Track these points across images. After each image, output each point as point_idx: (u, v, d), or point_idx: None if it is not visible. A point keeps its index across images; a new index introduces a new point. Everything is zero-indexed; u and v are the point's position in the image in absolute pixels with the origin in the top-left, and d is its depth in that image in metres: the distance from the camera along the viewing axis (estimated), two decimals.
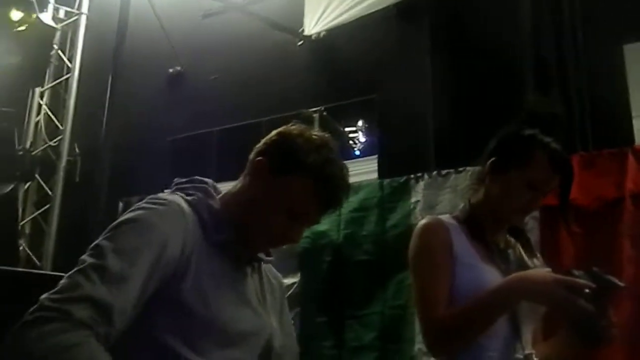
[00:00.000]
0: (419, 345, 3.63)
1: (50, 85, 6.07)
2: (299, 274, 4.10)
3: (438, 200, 3.87)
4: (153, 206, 1.39)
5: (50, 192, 5.72)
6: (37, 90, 5.98)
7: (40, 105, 6.00)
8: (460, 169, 3.87)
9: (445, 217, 1.91)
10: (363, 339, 3.82)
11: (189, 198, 1.48)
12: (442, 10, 4.52)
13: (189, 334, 1.34)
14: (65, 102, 5.95)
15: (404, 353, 3.69)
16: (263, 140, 1.55)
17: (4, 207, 4.89)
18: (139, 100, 5.47)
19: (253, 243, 1.52)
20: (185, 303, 1.35)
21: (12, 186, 4.96)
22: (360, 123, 5.65)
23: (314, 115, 4.61)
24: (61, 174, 5.73)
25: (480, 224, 1.87)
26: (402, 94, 4.50)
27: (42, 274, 4.91)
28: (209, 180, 1.58)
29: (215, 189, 1.57)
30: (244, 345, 1.44)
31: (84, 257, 1.29)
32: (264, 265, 1.64)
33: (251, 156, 1.53)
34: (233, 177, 1.59)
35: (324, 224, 4.10)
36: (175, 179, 1.57)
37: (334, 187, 1.48)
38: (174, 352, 1.32)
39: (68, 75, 6.05)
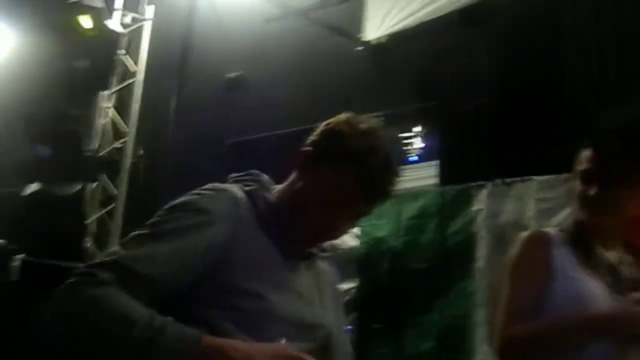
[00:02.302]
0: (480, 355, 3.59)
1: (116, 89, 6.23)
2: (356, 279, 4.10)
3: (501, 210, 3.80)
4: (206, 192, 1.41)
5: (115, 192, 5.88)
6: (104, 93, 6.14)
7: (107, 108, 6.17)
8: (526, 177, 3.79)
9: (552, 230, 1.88)
10: (420, 347, 3.78)
11: (246, 188, 1.49)
12: (505, 17, 4.44)
13: (244, 322, 1.34)
14: (130, 106, 6.10)
15: None
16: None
17: (72, 206, 5.05)
18: (201, 104, 5.56)
19: (303, 235, 1.50)
20: (238, 291, 1.35)
21: (79, 186, 5.12)
22: (418, 129, 5.60)
23: None
24: (126, 174, 5.87)
25: (585, 237, 1.82)
26: (465, 100, 4.44)
27: None
28: (265, 176, 1.58)
29: (271, 183, 1.57)
30: (300, 337, 1.41)
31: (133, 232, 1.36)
32: (319, 262, 1.62)
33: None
34: None
35: (383, 230, 4.09)
36: (232, 174, 1.58)
37: (377, 175, 1.44)
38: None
39: (133, 79, 6.20)
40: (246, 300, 1.35)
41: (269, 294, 1.38)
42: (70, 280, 1.24)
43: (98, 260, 1.28)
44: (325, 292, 1.59)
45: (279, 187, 1.57)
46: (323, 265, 1.66)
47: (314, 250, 1.60)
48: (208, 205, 1.38)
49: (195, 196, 1.41)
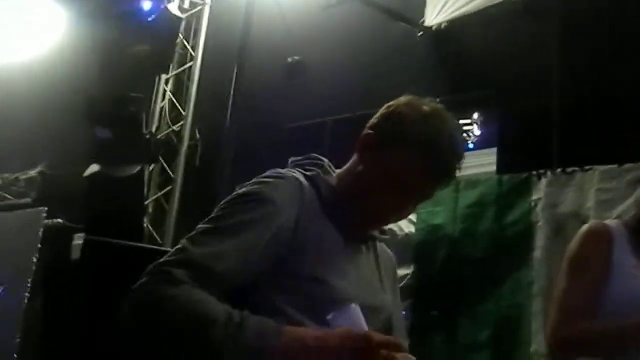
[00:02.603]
0: (535, 346, 3.55)
1: (174, 72, 6.34)
2: (412, 266, 4.09)
3: (561, 200, 3.74)
4: (270, 180, 1.41)
5: (172, 174, 5.99)
6: (163, 77, 6.25)
7: (164, 92, 6.28)
8: (587, 167, 3.72)
9: (614, 223, 1.85)
10: (476, 336, 3.77)
11: (307, 173, 1.48)
12: (567, 7, 4.35)
13: (313, 308, 1.34)
14: (187, 89, 6.20)
15: (519, 353, 3.62)
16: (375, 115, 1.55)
17: (132, 187, 5.15)
18: (259, 89, 5.61)
19: (364, 219, 1.50)
20: (306, 278, 1.36)
21: (138, 167, 5.21)
22: (475, 115, 5.53)
23: None
24: (182, 157, 5.98)
25: None
26: (526, 87, 4.37)
27: (164, 250, 5.18)
28: (326, 160, 1.58)
29: (331, 167, 1.57)
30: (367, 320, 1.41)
31: (199, 225, 1.36)
32: (378, 244, 1.64)
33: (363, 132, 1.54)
34: None
35: (440, 217, 4.07)
36: (292, 158, 1.58)
37: (441, 159, 1.43)
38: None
39: (191, 63, 6.30)
40: (311, 286, 1.36)
41: (333, 278, 1.39)
42: (145, 279, 1.25)
43: (170, 258, 1.27)
44: (384, 275, 1.61)
45: (339, 171, 1.58)
46: (382, 248, 1.67)
47: (374, 233, 1.61)
48: (273, 194, 1.37)
49: (259, 185, 1.40)
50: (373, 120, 1.54)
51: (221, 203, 1.39)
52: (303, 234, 1.39)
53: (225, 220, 1.34)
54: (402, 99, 1.52)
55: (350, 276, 1.44)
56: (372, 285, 1.51)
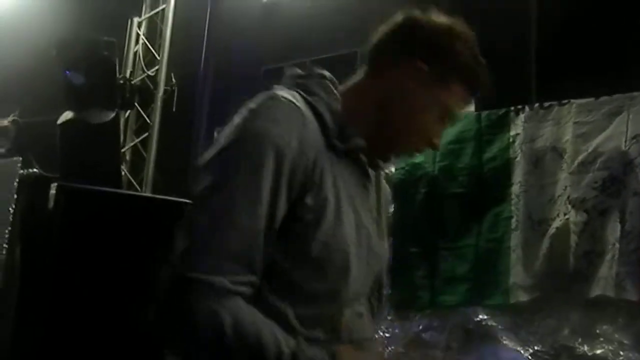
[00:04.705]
0: (513, 278, 3.61)
1: (147, 15, 6.17)
2: (392, 205, 4.09)
3: (539, 134, 3.74)
4: (267, 113, 1.22)
5: (149, 121, 5.90)
6: (135, 20, 6.09)
7: (138, 35, 6.12)
8: (564, 101, 3.71)
9: None
10: (456, 270, 3.82)
11: (309, 98, 1.30)
12: None
13: (302, 252, 1.24)
14: (162, 32, 6.04)
15: (497, 286, 3.68)
16: (390, 30, 1.39)
17: (108, 134, 5.08)
18: (235, 30, 5.50)
19: (385, 146, 1.39)
20: (307, 222, 1.22)
21: (114, 114, 5.13)
22: None
23: None
24: (159, 103, 5.87)
25: None
26: (504, 21, 4.32)
27: (144, 196, 5.16)
28: (327, 73, 1.40)
29: (334, 83, 1.39)
30: (367, 266, 1.34)
31: (207, 201, 1.20)
32: (382, 176, 1.53)
33: (389, 54, 1.38)
34: None
35: (420, 156, 4.06)
36: (289, 71, 1.40)
37: (479, 67, 1.38)
38: (291, 279, 1.24)
39: (164, 6, 6.12)
40: (311, 237, 1.23)
41: (337, 227, 1.25)
42: (188, 296, 1.13)
43: (203, 264, 1.14)
44: (382, 211, 1.51)
45: (345, 91, 1.40)
46: (383, 182, 1.57)
47: (380, 163, 1.46)
48: (271, 132, 1.18)
49: (258, 123, 1.20)
50: (376, 40, 1.39)
51: (213, 164, 1.22)
52: (308, 173, 1.23)
53: (233, 192, 1.17)
54: (411, 12, 1.39)
55: (357, 215, 1.31)
56: (370, 232, 1.36)
